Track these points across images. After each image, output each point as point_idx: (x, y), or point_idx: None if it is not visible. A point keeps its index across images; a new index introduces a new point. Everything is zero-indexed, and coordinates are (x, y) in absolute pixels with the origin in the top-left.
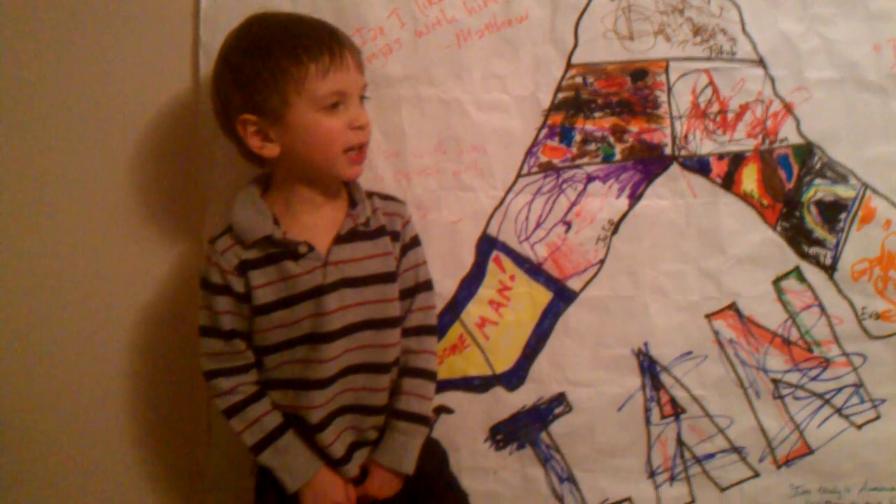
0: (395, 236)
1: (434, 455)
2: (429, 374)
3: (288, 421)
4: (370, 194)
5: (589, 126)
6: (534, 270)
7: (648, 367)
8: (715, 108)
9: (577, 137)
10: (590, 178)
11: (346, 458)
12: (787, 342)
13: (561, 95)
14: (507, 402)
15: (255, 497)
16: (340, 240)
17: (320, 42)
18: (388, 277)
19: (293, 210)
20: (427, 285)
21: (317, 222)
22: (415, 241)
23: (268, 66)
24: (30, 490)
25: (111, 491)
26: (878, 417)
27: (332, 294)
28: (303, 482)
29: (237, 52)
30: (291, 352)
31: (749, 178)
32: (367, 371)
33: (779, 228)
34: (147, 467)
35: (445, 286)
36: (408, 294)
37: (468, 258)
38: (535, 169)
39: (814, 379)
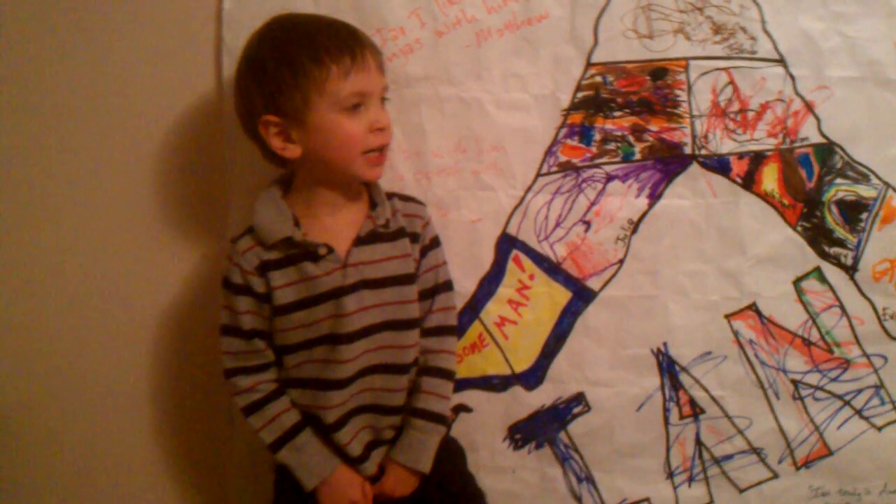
0: (414, 238)
1: (451, 454)
2: (448, 374)
3: (306, 419)
4: (390, 195)
5: (608, 125)
6: (553, 270)
7: (668, 367)
8: (735, 106)
9: (597, 137)
10: (609, 178)
11: (364, 457)
12: (807, 343)
13: (580, 95)
14: (526, 402)
15: (275, 493)
16: (360, 241)
17: (341, 43)
18: (406, 279)
19: (314, 211)
20: (447, 286)
21: (337, 224)
22: (434, 242)
23: (290, 67)
24: (54, 487)
25: (135, 487)
26: None
27: (351, 295)
28: (319, 480)
29: (260, 52)
30: (310, 352)
31: (769, 178)
32: (385, 371)
33: (799, 228)
34: (170, 464)
35: (465, 285)
36: (427, 295)
37: (487, 257)
38: (554, 168)
39: (834, 380)
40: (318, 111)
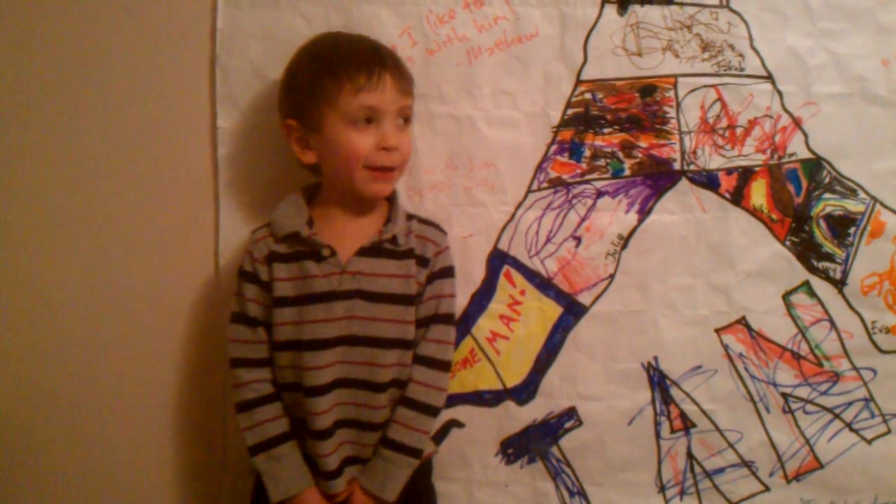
0: (422, 262)
1: (422, 477)
2: (424, 407)
3: (296, 426)
4: (411, 216)
5: (598, 142)
6: (544, 285)
7: (658, 381)
8: (723, 123)
9: (587, 153)
10: (599, 194)
11: (337, 473)
12: (796, 357)
13: (570, 112)
14: (518, 417)
15: (252, 496)
16: (363, 252)
17: (360, 61)
18: (404, 299)
19: (330, 217)
20: (447, 318)
21: (348, 232)
22: (444, 273)
23: (312, 78)
24: (51, 486)
25: (130, 487)
26: (888, 432)
27: (343, 302)
28: (286, 496)
29: (296, 61)
30: (291, 355)
31: (758, 193)
32: (358, 387)
33: (788, 243)
34: (166, 463)
35: (457, 301)
36: (425, 322)
37: (479, 273)
38: (545, 184)
39: (824, 393)
40: (330, 122)
